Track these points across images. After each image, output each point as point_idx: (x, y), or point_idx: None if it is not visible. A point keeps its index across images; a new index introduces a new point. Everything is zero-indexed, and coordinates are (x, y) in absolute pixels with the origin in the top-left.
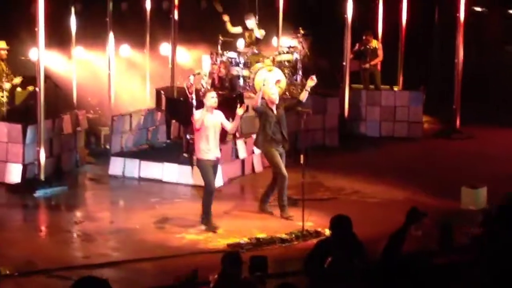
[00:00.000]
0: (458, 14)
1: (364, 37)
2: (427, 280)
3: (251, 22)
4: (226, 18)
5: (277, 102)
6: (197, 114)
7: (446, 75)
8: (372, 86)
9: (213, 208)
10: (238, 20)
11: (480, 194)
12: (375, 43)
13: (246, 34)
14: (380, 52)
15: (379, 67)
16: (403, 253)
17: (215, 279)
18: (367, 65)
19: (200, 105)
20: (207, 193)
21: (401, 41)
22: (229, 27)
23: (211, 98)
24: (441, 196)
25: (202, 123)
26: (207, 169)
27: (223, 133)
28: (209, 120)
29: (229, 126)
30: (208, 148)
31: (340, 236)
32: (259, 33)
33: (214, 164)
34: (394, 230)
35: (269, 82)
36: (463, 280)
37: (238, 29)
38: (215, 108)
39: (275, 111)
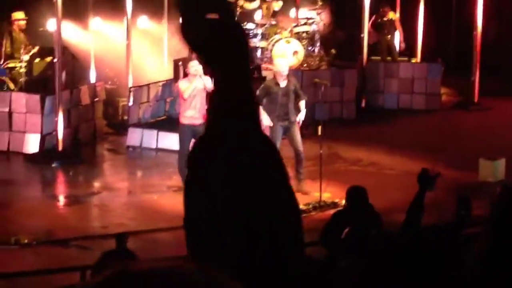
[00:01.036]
0: None
1: (381, 9)
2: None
3: None
4: None
5: (284, 74)
6: (184, 84)
7: (465, 47)
8: (389, 58)
9: None
10: None
11: (498, 166)
12: (392, 15)
13: (264, 6)
14: (398, 24)
15: (402, 40)
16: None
17: None
18: (389, 37)
19: None
20: (180, 157)
21: (419, 13)
22: (246, 4)
23: (191, 67)
24: (459, 168)
25: (190, 91)
26: (185, 134)
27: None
28: (195, 87)
29: (210, 85)
30: (191, 113)
31: (356, 207)
32: (277, 5)
33: (196, 129)
34: (411, 202)
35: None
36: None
37: (255, 4)
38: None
39: (281, 84)
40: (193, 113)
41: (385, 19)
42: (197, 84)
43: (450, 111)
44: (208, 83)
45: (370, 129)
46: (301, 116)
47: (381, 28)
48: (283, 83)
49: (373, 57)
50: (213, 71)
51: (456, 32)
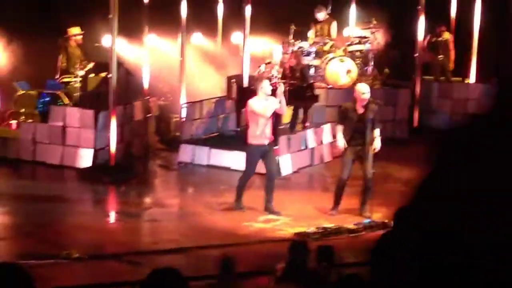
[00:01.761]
0: None
1: (437, 29)
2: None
3: (322, 15)
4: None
5: (365, 102)
6: (258, 104)
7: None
8: (442, 78)
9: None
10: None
11: None
12: (447, 35)
13: (318, 27)
14: (452, 46)
15: (451, 60)
16: None
17: (282, 267)
18: (440, 57)
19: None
20: (244, 176)
21: (474, 34)
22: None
23: (266, 88)
24: None
25: (266, 110)
26: (254, 155)
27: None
28: (266, 107)
29: (284, 109)
30: (259, 133)
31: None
32: (333, 30)
33: (264, 149)
34: None
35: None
36: None
37: (323, 15)
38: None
39: (359, 110)
40: (263, 133)
41: (440, 39)
42: (273, 105)
43: None
44: (277, 105)
45: (422, 149)
46: (376, 145)
47: (435, 48)
48: (359, 109)
49: (426, 77)
50: None
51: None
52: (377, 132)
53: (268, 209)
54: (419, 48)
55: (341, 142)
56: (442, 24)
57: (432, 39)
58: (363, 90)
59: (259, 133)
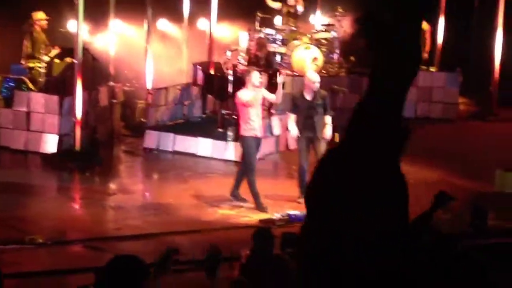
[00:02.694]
0: None
1: None
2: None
3: None
4: None
5: (315, 89)
6: (246, 95)
7: (484, 57)
8: None
9: (245, 182)
10: None
11: None
12: (425, 26)
13: (285, 10)
14: (428, 35)
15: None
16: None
17: (246, 254)
18: None
19: (237, 81)
20: (250, 171)
21: (439, 22)
22: (269, 1)
23: (258, 78)
24: (475, 178)
25: (252, 101)
26: (252, 146)
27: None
28: (255, 97)
29: (273, 96)
30: (254, 125)
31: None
32: (300, 7)
33: (258, 142)
34: (419, 214)
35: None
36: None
37: (277, 4)
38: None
39: (307, 97)
40: (256, 124)
41: None
42: (259, 95)
43: (467, 121)
44: (268, 94)
45: None
46: (326, 132)
47: None
48: (308, 96)
49: None
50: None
51: (475, 42)
52: (328, 119)
53: (235, 196)
54: None
55: (294, 131)
56: None
57: None
58: (314, 79)
59: (251, 124)
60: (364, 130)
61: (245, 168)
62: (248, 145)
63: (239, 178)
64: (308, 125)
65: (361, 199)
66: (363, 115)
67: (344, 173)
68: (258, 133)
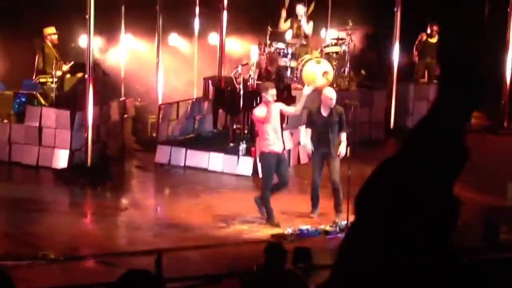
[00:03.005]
0: (510, 8)
1: (429, 28)
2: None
3: (301, 8)
4: (284, 12)
5: (332, 106)
6: (261, 111)
7: (495, 70)
8: (423, 80)
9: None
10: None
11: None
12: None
13: (295, 25)
14: None
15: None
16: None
17: (259, 269)
18: (429, 60)
19: (247, 94)
20: (265, 188)
21: None
22: (282, 23)
23: (273, 93)
24: (487, 191)
25: (268, 117)
26: (269, 162)
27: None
28: (270, 113)
29: (292, 109)
30: (271, 140)
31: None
32: (308, 28)
33: (279, 157)
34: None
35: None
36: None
37: (287, 25)
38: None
39: (324, 114)
40: (274, 140)
41: (431, 40)
42: (275, 110)
43: (479, 134)
44: (286, 108)
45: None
46: (341, 149)
47: (424, 49)
48: (325, 112)
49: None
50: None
51: (486, 54)
52: (343, 136)
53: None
54: (396, 50)
55: (309, 146)
56: (436, 24)
57: (423, 39)
58: (331, 96)
59: (268, 140)
60: (428, 143)
61: (263, 188)
62: (265, 161)
63: (273, 194)
64: (323, 141)
65: (414, 215)
66: (429, 129)
67: (401, 186)
68: (277, 148)
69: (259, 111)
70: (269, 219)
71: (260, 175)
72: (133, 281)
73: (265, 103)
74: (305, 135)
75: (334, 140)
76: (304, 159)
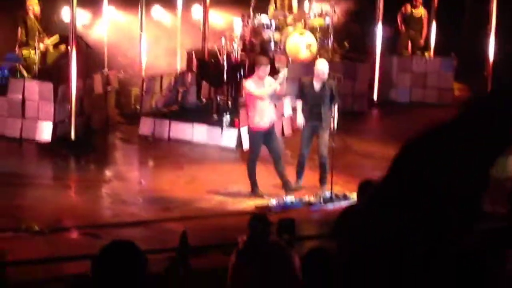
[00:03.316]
0: None
1: (415, 1)
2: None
3: None
4: None
5: (325, 79)
6: (254, 85)
7: (478, 42)
8: (405, 51)
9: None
10: None
11: (509, 162)
12: (422, 11)
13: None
14: (425, 21)
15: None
16: None
17: (243, 240)
18: (413, 32)
19: (231, 67)
20: (251, 160)
21: (433, 7)
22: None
23: (266, 70)
24: None
25: (263, 95)
26: (257, 137)
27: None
28: (266, 90)
29: (278, 86)
30: (259, 117)
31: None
32: (293, 3)
33: (265, 133)
34: None
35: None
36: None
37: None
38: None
39: (316, 86)
40: (263, 116)
41: (414, 12)
42: (272, 85)
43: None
44: (273, 83)
45: (382, 123)
46: (332, 122)
47: (408, 21)
48: (318, 86)
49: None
50: None
51: (469, 27)
52: (335, 109)
53: (288, 187)
54: (379, 22)
55: (300, 119)
56: None
57: (406, 11)
58: (323, 68)
59: (259, 117)
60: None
61: (248, 160)
62: (252, 137)
63: (280, 175)
64: (314, 114)
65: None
66: (480, 107)
67: (439, 158)
68: (264, 123)
69: (252, 87)
70: (253, 190)
71: (247, 147)
72: (116, 252)
73: (259, 77)
74: (298, 108)
75: (326, 114)
76: (287, 131)
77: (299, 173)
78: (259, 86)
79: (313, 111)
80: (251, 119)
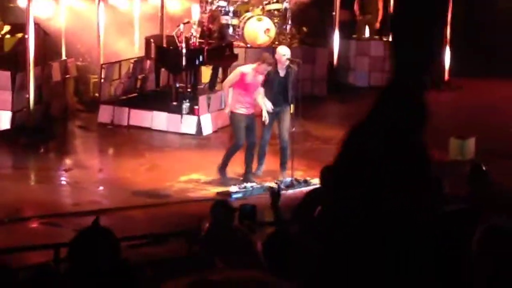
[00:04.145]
0: None
1: None
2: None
3: None
4: None
5: (286, 64)
6: (249, 71)
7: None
8: (364, 37)
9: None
10: None
11: (468, 145)
12: None
13: None
14: (381, 5)
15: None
16: None
17: (206, 227)
18: (368, 16)
19: (190, 53)
20: (235, 145)
21: None
22: None
23: (267, 69)
24: (430, 146)
25: (251, 80)
26: (241, 121)
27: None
28: (255, 80)
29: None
30: (247, 104)
31: (330, 186)
32: None
33: (249, 119)
34: None
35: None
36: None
37: None
38: None
39: (281, 73)
40: (248, 103)
41: None
42: (255, 78)
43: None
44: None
45: (341, 107)
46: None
47: (364, 5)
48: (281, 72)
49: (353, 36)
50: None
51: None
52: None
53: (248, 178)
54: (337, 7)
55: (269, 105)
56: None
57: None
58: (284, 52)
59: (245, 104)
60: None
61: (233, 144)
62: (235, 122)
63: (248, 160)
64: (278, 100)
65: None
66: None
67: (371, 145)
68: (251, 111)
69: (249, 76)
70: (220, 169)
71: (232, 133)
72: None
73: (256, 71)
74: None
75: (290, 99)
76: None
77: (261, 159)
78: (254, 80)
79: (277, 97)
80: (235, 103)
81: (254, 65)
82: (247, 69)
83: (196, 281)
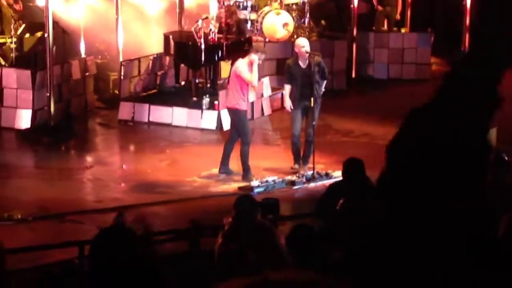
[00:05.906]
0: None
1: None
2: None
3: None
4: None
5: (307, 55)
6: (245, 66)
7: (455, 16)
8: (384, 29)
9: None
10: None
11: (491, 135)
12: None
13: None
14: None
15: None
16: None
17: (229, 222)
18: (388, 8)
19: (209, 49)
20: (245, 142)
21: None
22: None
23: (259, 59)
24: None
25: (251, 78)
26: (245, 118)
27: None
28: (254, 75)
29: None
30: (244, 99)
31: (353, 179)
32: None
33: (245, 114)
34: None
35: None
36: None
37: None
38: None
39: (303, 65)
40: (247, 98)
41: None
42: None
43: (440, 80)
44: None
45: (361, 100)
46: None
47: None
48: (303, 64)
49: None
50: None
51: (445, 1)
52: (324, 84)
53: (226, 171)
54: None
55: (288, 104)
56: None
57: None
58: (302, 43)
59: (245, 98)
60: (460, 92)
61: (241, 140)
62: (241, 118)
63: (227, 153)
64: (305, 94)
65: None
66: (458, 77)
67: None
68: (246, 105)
69: (246, 72)
70: (246, 175)
71: (236, 131)
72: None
73: (250, 61)
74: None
75: (318, 91)
76: (267, 111)
77: (296, 154)
78: (249, 71)
79: (303, 90)
80: (239, 102)
81: (246, 59)
82: (244, 63)
83: (257, 281)
